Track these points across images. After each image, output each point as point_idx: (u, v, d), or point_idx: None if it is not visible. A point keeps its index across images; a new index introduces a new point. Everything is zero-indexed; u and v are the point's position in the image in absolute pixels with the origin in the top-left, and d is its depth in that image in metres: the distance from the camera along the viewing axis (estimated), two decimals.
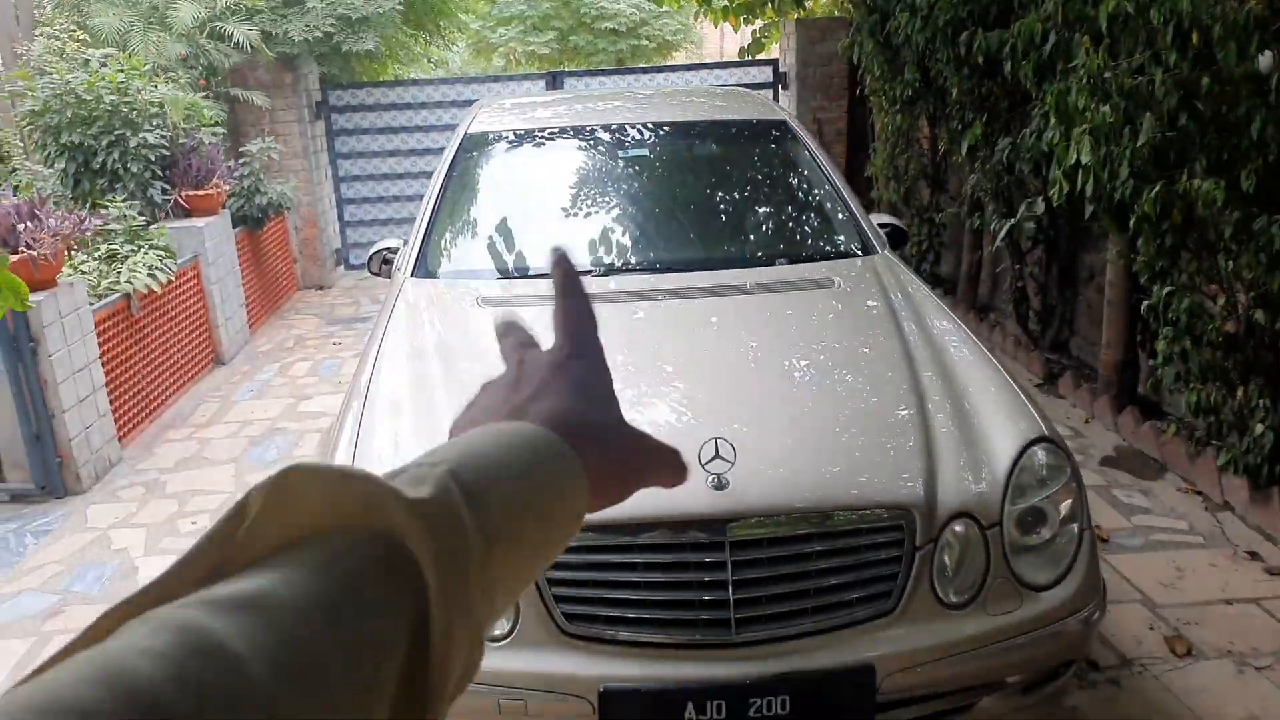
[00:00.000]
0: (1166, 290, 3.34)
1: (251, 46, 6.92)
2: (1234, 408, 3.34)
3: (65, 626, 3.23)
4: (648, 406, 2.36)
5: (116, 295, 4.74)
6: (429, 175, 8.06)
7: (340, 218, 8.25)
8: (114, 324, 4.73)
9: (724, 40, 23.35)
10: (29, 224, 4.14)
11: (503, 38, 17.33)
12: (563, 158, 3.80)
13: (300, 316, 7.16)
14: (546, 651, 1.99)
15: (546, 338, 0.58)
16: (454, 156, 3.67)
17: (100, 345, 4.50)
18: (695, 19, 9.07)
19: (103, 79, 5.59)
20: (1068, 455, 2.25)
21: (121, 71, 5.67)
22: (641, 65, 14.22)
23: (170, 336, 5.36)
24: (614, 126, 3.85)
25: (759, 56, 8.38)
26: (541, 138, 3.85)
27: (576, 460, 0.48)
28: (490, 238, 3.41)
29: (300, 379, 5.68)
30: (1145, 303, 3.55)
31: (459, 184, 3.60)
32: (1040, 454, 2.20)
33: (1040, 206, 4.40)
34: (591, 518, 2.00)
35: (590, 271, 3.15)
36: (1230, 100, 2.97)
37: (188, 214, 5.93)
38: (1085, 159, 3.17)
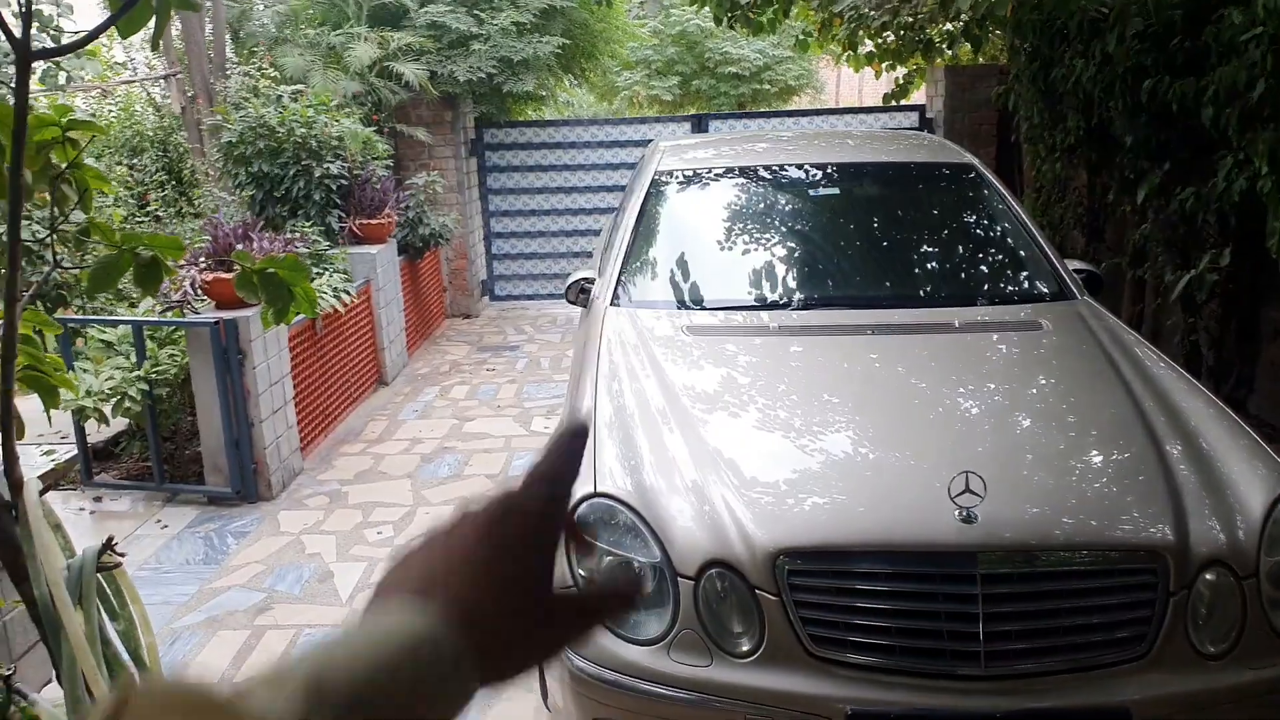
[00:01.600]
0: None
1: (419, 85, 7.31)
2: None
3: (276, 621, 3.43)
4: (888, 441, 2.43)
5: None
6: (574, 212, 8.42)
7: (488, 250, 8.58)
8: (301, 341, 5.03)
9: (840, 86, 23.43)
10: (243, 245, 4.47)
11: (627, 81, 17.77)
12: (749, 195, 3.90)
13: (451, 343, 7.45)
14: (793, 671, 2.04)
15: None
16: (646, 192, 3.81)
17: (290, 361, 4.80)
18: (836, 63, 9.15)
19: (294, 114, 5.99)
20: None
21: (311, 107, 6.07)
22: (778, 109, 14.39)
23: (345, 356, 5.66)
24: (804, 166, 3.95)
25: (902, 102, 8.42)
26: (729, 176, 3.98)
27: (465, 662, 0.47)
28: (685, 270, 3.52)
29: (461, 401, 5.91)
30: None
31: (650, 219, 3.73)
32: None
33: (1226, 258, 4.30)
34: (841, 538, 2.08)
35: (789, 305, 3.24)
36: None
37: (359, 241, 6.27)
38: None
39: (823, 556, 2.09)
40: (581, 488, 2.33)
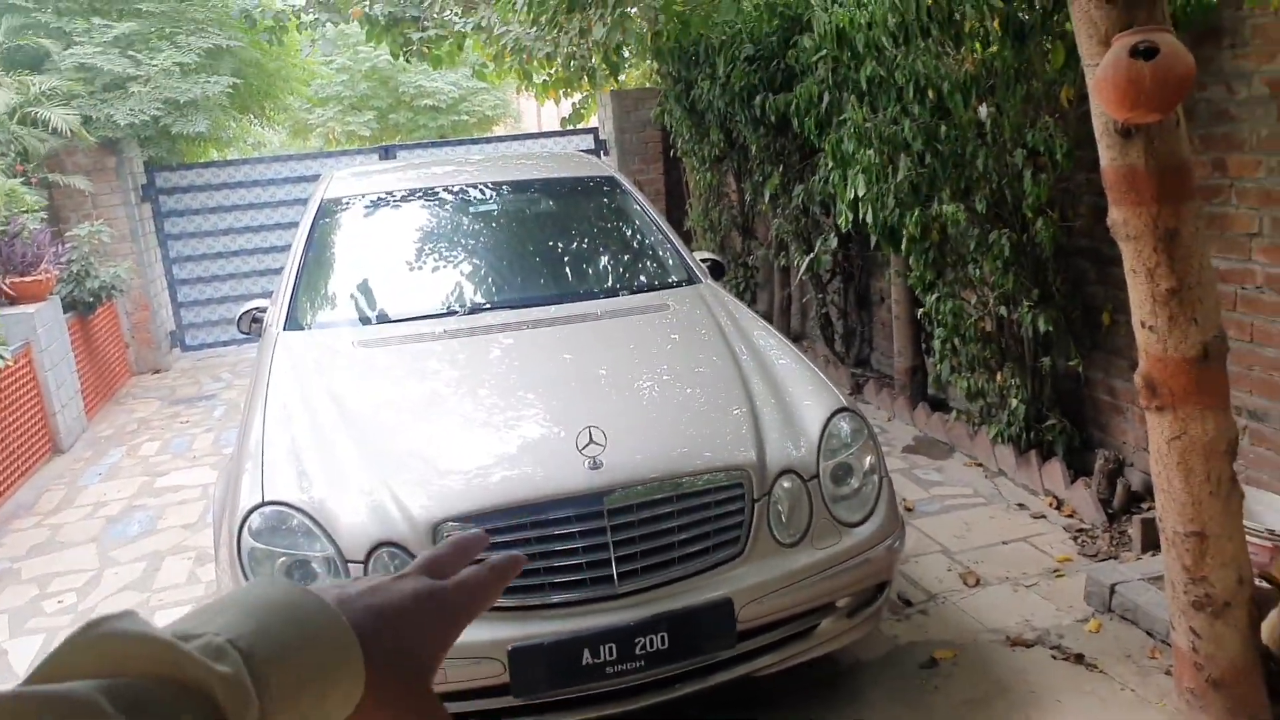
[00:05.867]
0: (935, 297, 4.04)
1: (71, 131, 6.88)
2: (995, 390, 4.05)
3: None
4: (533, 416, 2.77)
5: None
6: (265, 251, 8.25)
7: (174, 299, 8.17)
8: None
9: (541, 115, 24.22)
10: None
11: (321, 118, 17.38)
12: (416, 216, 4.14)
13: (139, 400, 7.03)
14: None
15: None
16: (313, 220, 3.94)
17: None
18: (518, 92, 9.61)
19: None
20: (864, 420, 2.80)
21: None
22: (470, 137, 14.63)
23: (3, 426, 5.24)
24: (462, 186, 4.24)
25: (580, 126, 9.01)
26: (395, 199, 4.19)
27: (361, 662, 0.51)
28: (356, 290, 3.70)
29: (152, 458, 5.64)
30: (921, 310, 4.24)
31: (320, 245, 3.86)
32: (842, 422, 2.74)
33: (833, 240, 5.10)
34: (491, 502, 2.51)
35: (456, 313, 3.50)
36: (962, 142, 3.70)
37: (13, 301, 5.82)
38: (861, 193, 3.84)
39: (477, 519, 2.36)
40: (251, 498, 2.46)
